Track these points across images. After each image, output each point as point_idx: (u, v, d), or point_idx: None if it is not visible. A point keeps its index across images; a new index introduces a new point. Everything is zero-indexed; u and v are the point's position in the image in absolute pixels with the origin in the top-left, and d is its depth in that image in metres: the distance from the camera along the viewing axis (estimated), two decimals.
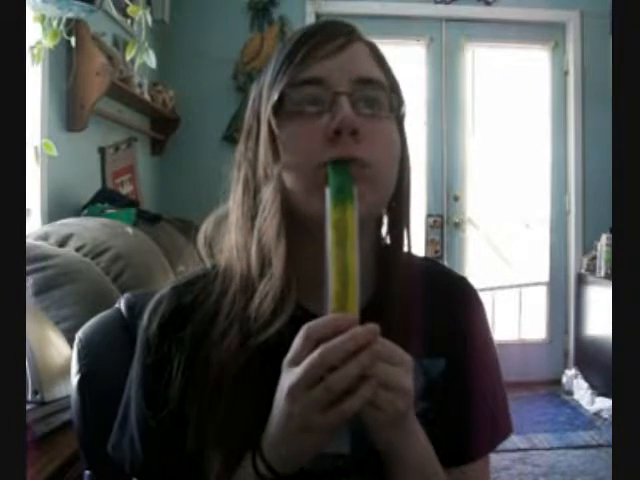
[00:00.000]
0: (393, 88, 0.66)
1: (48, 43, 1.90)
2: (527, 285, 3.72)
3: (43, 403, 1.17)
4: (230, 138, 3.32)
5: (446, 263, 3.25)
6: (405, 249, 0.69)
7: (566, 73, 3.64)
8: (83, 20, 2.08)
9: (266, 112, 0.63)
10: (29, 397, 1.16)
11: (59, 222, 1.94)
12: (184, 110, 3.25)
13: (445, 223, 3.57)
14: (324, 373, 0.51)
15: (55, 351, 1.27)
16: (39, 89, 2.05)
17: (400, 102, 0.66)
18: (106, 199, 2.28)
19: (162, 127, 3.22)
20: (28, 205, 2.02)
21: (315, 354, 0.51)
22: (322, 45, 0.63)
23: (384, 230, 0.70)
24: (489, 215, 3.69)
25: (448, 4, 3.53)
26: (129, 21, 2.70)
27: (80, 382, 0.83)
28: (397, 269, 0.67)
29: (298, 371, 0.52)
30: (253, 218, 0.64)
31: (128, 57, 2.31)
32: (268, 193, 0.62)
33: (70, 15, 1.89)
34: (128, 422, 0.66)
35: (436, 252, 3.52)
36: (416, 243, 0.70)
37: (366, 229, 0.65)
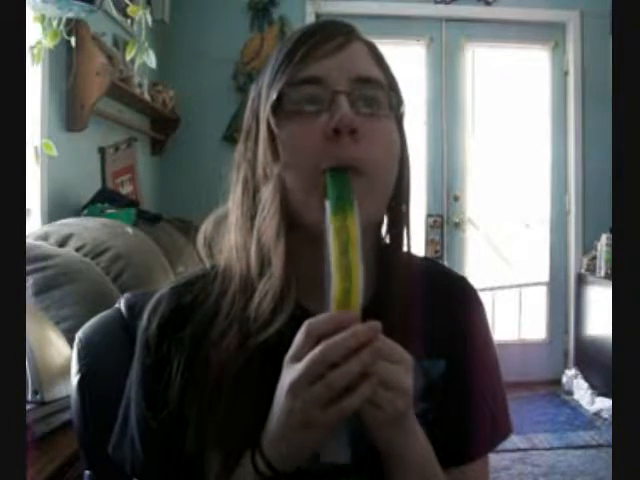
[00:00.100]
0: (392, 87, 0.66)
1: (48, 43, 1.90)
2: (527, 285, 3.72)
3: (43, 403, 1.17)
4: (230, 138, 3.32)
5: (446, 263, 3.25)
6: (405, 249, 0.69)
7: (566, 73, 3.64)
8: (83, 20, 2.08)
9: (265, 111, 0.63)
10: (29, 397, 1.16)
11: (59, 222, 1.94)
12: (184, 110, 3.25)
13: (445, 223, 3.57)
14: (325, 370, 0.51)
15: (55, 351, 1.27)
16: (39, 89, 2.05)
17: (399, 101, 0.66)
18: (106, 199, 2.28)
19: (162, 127, 3.22)
20: (28, 205, 2.02)
21: (316, 350, 0.52)
22: (321, 44, 0.63)
23: (384, 230, 0.70)
24: (489, 215, 3.69)
25: (448, 4, 3.53)
26: (129, 21, 2.70)
27: (80, 382, 0.83)
28: (397, 269, 0.67)
29: (299, 367, 0.52)
30: (252, 218, 0.64)
31: (128, 57, 2.31)
32: (267, 193, 0.62)
33: (70, 15, 1.89)
34: (128, 423, 0.66)
35: (436, 252, 3.52)
36: (416, 243, 0.70)
37: (366, 229, 0.65)
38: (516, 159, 3.69)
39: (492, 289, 3.59)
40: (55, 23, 1.90)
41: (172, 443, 0.63)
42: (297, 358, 0.53)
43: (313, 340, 0.53)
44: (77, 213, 2.19)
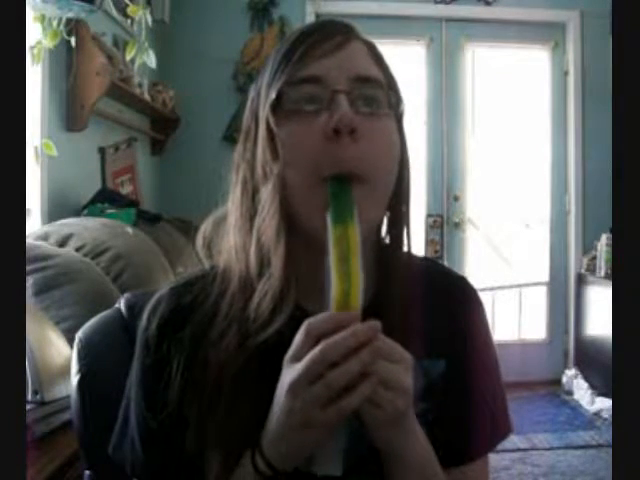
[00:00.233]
0: (391, 86, 0.66)
1: (48, 43, 1.90)
2: (527, 285, 3.72)
3: (43, 403, 1.17)
4: (230, 138, 3.32)
5: (446, 263, 3.25)
6: (405, 249, 0.69)
7: (566, 73, 3.64)
8: (83, 20, 2.09)
9: (264, 111, 0.63)
10: (29, 397, 1.16)
11: (59, 222, 1.94)
12: (184, 110, 3.25)
13: (445, 223, 3.57)
14: (325, 369, 0.51)
15: (55, 351, 1.27)
16: (39, 89, 2.05)
17: (398, 100, 0.66)
18: (106, 199, 2.28)
19: (162, 127, 3.22)
20: (28, 205, 2.02)
21: (316, 350, 0.52)
22: (320, 44, 0.63)
23: (384, 230, 0.70)
24: (489, 215, 3.69)
25: (448, 4, 3.53)
26: (129, 21, 2.70)
27: (80, 382, 0.83)
28: (397, 269, 0.67)
29: (299, 367, 0.52)
30: (252, 219, 0.64)
31: (128, 57, 2.31)
32: (267, 193, 0.62)
33: (70, 15, 1.89)
34: (128, 423, 0.66)
35: (436, 252, 3.52)
36: (416, 243, 0.70)
37: (366, 231, 0.65)
38: (516, 159, 3.68)
39: (492, 289, 3.59)
40: (55, 23, 1.90)
41: (172, 443, 0.62)
42: (297, 358, 0.53)
43: (313, 340, 0.53)
44: (77, 213, 2.19)
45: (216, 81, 3.38)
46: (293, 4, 3.45)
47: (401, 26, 3.54)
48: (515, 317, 3.71)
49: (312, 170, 0.60)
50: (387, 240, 0.70)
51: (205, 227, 0.71)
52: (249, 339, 0.61)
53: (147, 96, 2.83)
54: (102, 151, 2.57)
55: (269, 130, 0.62)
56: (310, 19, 3.44)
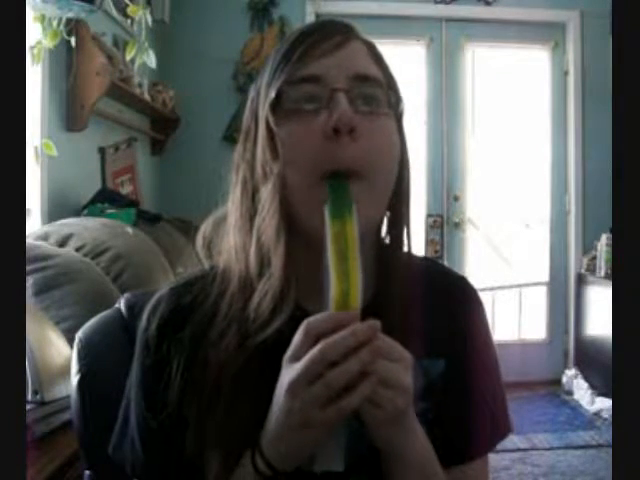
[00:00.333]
0: (391, 86, 0.66)
1: (48, 43, 1.90)
2: (527, 285, 3.72)
3: (43, 403, 1.17)
4: (230, 138, 3.32)
5: (446, 263, 3.25)
6: (405, 249, 0.69)
7: (566, 73, 3.64)
8: (83, 20, 2.09)
9: (264, 110, 0.63)
10: (29, 397, 1.16)
11: (59, 222, 1.94)
12: (184, 110, 3.25)
13: (445, 223, 3.57)
14: (324, 369, 0.51)
15: (55, 351, 1.27)
16: (39, 89, 2.05)
17: (398, 100, 0.66)
18: (106, 199, 2.28)
19: (162, 127, 3.23)
20: (28, 205, 2.02)
21: (315, 350, 0.51)
22: (319, 43, 0.63)
23: (384, 230, 0.70)
24: (489, 215, 3.69)
25: (448, 4, 3.53)
26: (129, 21, 2.70)
27: (80, 382, 0.83)
28: (397, 269, 0.67)
29: (298, 367, 0.52)
30: (252, 219, 0.64)
31: (128, 57, 2.31)
32: (267, 193, 0.62)
33: (70, 15, 1.90)
34: (128, 423, 0.66)
35: (436, 252, 3.52)
36: (416, 243, 0.70)
37: (366, 230, 0.65)
38: (516, 159, 3.68)
39: (492, 289, 3.59)
40: (55, 23, 1.90)
41: (172, 443, 0.62)
42: (296, 357, 0.53)
43: (312, 339, 0.53)
44: (77, 213, 2.19)
45: (216, 81, 3.38)
46: (293, 4, 3.45)
47: (401, 26, 3.54)
48: (515, 317, 3.71)
49: (312, 169, 0.60)
50: (387, 240, 0.70)
51: (205, 227, 0.71)
52: (249, 339, 0.61)
53: (147, 96, 2.83)
54: (102, 151, 2.57)
55: (269, 129, 0.62)
56: (310, 19, 3.44)
